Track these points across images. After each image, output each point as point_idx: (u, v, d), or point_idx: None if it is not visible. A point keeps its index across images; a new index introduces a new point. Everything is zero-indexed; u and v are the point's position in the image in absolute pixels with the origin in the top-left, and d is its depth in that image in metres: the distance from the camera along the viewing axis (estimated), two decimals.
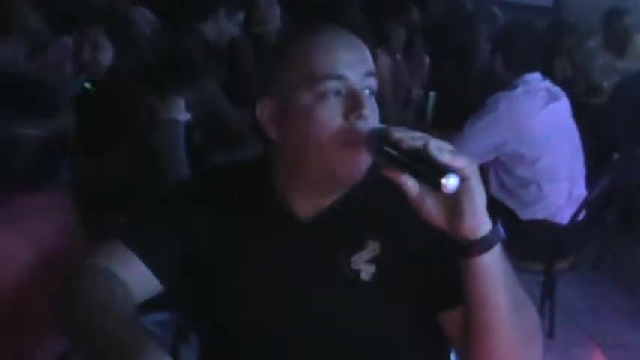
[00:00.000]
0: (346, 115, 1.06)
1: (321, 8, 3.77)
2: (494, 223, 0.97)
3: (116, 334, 0.99)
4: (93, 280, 1.13)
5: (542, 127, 2.72)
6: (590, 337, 3.06)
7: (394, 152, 0.96)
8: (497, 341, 1.03)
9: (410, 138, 0.94)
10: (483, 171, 2.46)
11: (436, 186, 0.90)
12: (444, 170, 0.90)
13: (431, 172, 0.91)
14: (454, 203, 0.94)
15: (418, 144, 0.93)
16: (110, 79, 2.41)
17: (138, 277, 1.16)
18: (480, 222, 0.95)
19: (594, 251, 3.54)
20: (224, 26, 3.22)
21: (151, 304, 1.22)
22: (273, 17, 3.51)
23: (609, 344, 3.02)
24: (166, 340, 1.54)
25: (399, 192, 0.98)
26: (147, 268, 1.17)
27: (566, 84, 3.58)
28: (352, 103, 1.06)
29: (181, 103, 2.12)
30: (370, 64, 1.12)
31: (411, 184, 0.96)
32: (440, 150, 0.92)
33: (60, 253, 1.31)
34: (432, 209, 0.96)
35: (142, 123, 2.16)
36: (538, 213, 2.78)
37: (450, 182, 0.89)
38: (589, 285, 3.45)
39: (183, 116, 2.12)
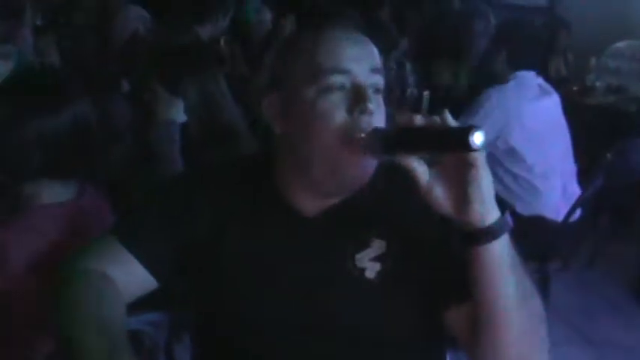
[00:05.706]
0: (350, 109, 1.05)
1: (320, 7, 3.75)
2: (502, 212, 0.97)
3: (101, 350, 1.00)
4: (83, 287, 1.11)
5: (532, 120, 2.73)
6: (582, 336, 3.06)
7: (405, 136, 0.95)
8: (505, 332, 1.02)
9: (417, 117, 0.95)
10: None
11: (464, 145, 0.88)
12: (466, 129, 0.88)
13: (454, 135, 0.91)
14: (462, 191, 0.94)
15: (431, 118, 0.94)
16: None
17: (132, 276, 1.16)
18: (487, 209, 0.95)
19: (587, 250, 3.55)
20: (220, 24, 3.22)
21: (144, 304, 1.22)
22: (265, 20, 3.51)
23: (602, 343, 3.03)
24: (160, 340, 1.54)
25: (405, 188, 0.98)
26: (141, 266, 1.16)
27: (561, 83, 3.59)
28: (356, 97, 1.05)
29: (180, 104, 2.11)
30: (376, 61, 1.11)
31: (421, 171, 0.96)
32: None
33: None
34: (441, 197, 0.97)
35: (138, 122, 2.15)
36: (536, 209, 2.79)
37: (477, 136, 0.87)
38: (582, 284, 3.47)
39: (181, 118, 2.11)
